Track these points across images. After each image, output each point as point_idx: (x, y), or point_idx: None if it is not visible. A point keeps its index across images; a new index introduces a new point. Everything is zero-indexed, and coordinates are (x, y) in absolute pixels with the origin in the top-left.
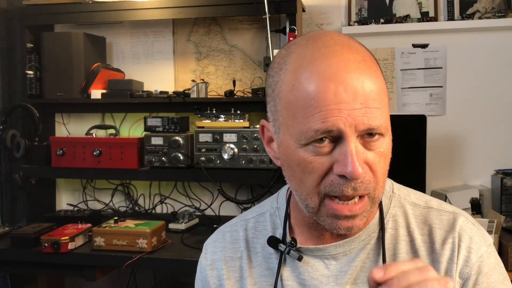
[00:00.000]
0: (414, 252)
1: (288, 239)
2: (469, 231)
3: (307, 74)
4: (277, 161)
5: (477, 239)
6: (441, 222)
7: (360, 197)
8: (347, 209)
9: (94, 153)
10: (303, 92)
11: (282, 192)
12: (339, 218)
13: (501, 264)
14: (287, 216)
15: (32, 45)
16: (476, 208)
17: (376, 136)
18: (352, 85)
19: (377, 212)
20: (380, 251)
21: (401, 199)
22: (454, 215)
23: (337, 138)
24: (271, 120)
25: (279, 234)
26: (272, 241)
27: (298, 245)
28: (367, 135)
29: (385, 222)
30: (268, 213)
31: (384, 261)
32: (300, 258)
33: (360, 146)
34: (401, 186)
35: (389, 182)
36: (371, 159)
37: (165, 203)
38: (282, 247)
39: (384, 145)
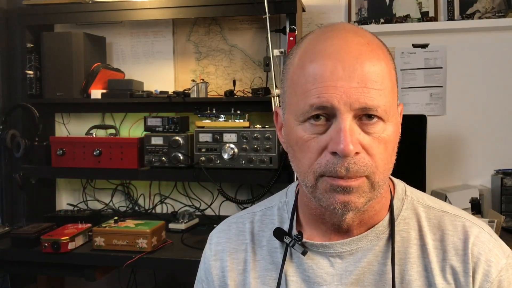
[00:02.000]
0: (425, 257)
1: (295, 232)
2: (487, 243)
3: (311, 54)
4: (285, 146)
5: (496, 251)
6: (455, 229)
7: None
8: (343, 181)
9: (94, 153)
10: (304, 70)
11: (292, 187)
12: (335, 191)
13: None
14: (295, 209)
15: (32, 45)
16: (476, 208)
17: (375, 119)
18: (350, 64)
19: (387, 214)
20: (389, 254)
21: (414, 202)
22: (469, 224)
23: (332, 116)
24: (281, 104)
25: (286, 228)
26: (278, 233)
27: (304, 240)
28: (365, 117)
29: (396, 224)
30: (276, 207)
31: (393, 264)
32: (304, 253)
33: (357, 127)
34: (415, 189)
35: (402, 184)
36: (367, 142)
37: (165, 203)
38: (287, 239)
39: (386, 131)
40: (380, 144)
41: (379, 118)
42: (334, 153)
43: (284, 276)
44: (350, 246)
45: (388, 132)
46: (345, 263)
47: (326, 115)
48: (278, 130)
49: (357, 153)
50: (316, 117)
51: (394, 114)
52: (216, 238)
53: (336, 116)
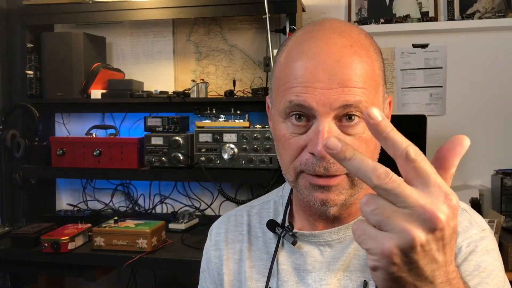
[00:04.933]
0: None
1: (287, 224)
2: (458, 215)
3: (295, 54)
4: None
5: (465, 223)
6: None
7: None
8: (322, 180)
9: (94, 153)
10: (287, 69)
11: None
12: (314, 189)
13: (497, 253)
14: (289, 202)
15: (32, 45)
16: (476, 208)
17: (355, 120)
18: (331, 67)
19: None
20: None
21: None
22: None
23: (312, 117)
24: (270, 98)
25: (280, 220)
26: (271, 224)
27: (295, 230)
28: (346, 119)
29: None
30: (272, 201)
31: None
32: (294, 243)
33: (336, 128)
34: None
35: None
36: (348, 142)
37: (165, 203)
38: (279, 230)
39: (367, 131)
40: (362, 144)
41: (360, 118)
42: (313, 154)
43: (276, 264)
44: (339, 234)
45: (369, 132)
46: (333, 251)
47: (306, 115)
48: (269, 119)
49: None
50: (298, 117)
51: None
52: (216, 229)
53: (316, 117)
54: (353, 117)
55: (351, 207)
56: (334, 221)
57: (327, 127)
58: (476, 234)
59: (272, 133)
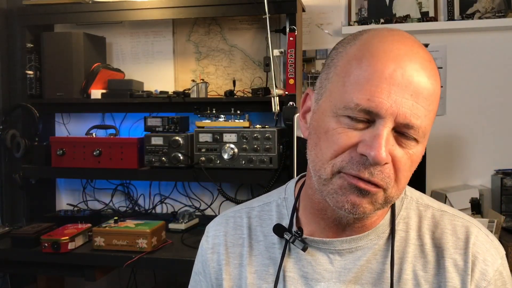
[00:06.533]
0: (423, 257)
1: (294, 228)
2: (485, 243)
3: (374, 49)
4: (305, 132)
5: (493, 251)
6: (454, 228)
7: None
8: (363, 183)
9: (94, 153)
10: (362, 62)
11: (291, 184)
12: (351, 190)
13: (511, 276)
14: (296, 205)
15: (32, 45)
16: (476, 208)
17: (411, 137)
18: (411, 73)
19: (388, 213)
20: (388, 253)
21: (413, 201)
22: (468, 224)
23: (372, 121)
24: (316, 88)
25: (285, 224)
26: (278, 229)
27: (304, 236)
28: (403, 133)
29: (395, 224)
30: (274, 203)
31: (392, 264)
32: (304, 249)
33: (392, 138)
34: (413, 189)
35: None
36: (399, 155)
37: (165, 203)
38: (287, 235)
39: (416, 150)
40: (408, 161)
41: (415, 138)
42: (362, 155)
43: (282, 271)
44: (350, 244)
45: (417, 153)
46: (344, 260)
47: (367, 118)
48: (302, 114)
49: (385, 163)
50: (357, 118)
51: (427, 138)
52: (213, 231)
53: (377, 122)
54: (409, 136)
55: (367, 219)
56: (345, 228)
57: (386, 134)
58: (501, 264)
59: (307, 126)
